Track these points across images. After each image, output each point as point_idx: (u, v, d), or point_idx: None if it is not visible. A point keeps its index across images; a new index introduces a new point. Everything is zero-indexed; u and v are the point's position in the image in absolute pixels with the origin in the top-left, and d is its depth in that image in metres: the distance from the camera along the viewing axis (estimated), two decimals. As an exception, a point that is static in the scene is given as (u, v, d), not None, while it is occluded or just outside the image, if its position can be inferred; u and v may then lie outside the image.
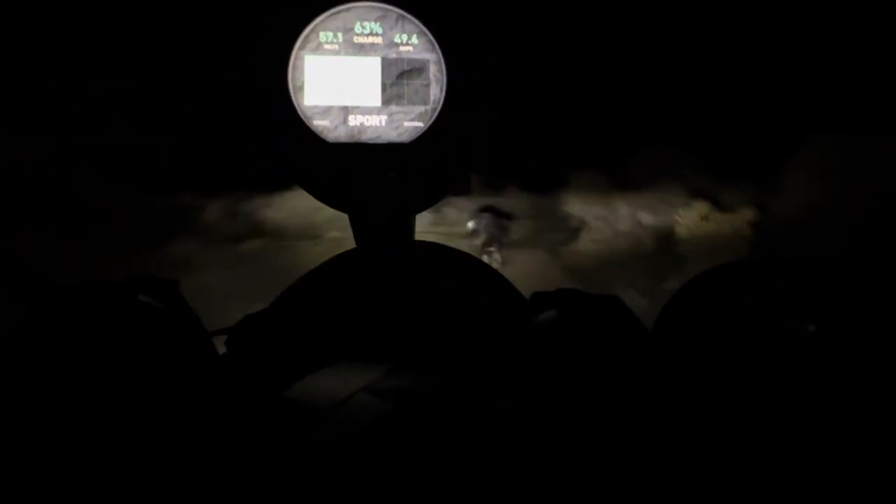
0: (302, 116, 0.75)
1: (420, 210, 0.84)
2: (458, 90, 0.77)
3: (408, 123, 0.77)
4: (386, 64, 0.77)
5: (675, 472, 0.51)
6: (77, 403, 0.54)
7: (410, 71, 0.77)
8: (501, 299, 0.90)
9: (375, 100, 0.77)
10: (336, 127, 0.77)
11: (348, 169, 0.77)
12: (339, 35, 0.76)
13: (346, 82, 0.77)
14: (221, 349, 0.78)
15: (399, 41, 0.77)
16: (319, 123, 0.76)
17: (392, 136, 0.77)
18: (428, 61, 0.77)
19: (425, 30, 0.77)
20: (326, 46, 0.76)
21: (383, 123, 0.77)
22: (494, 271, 0.95)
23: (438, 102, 0.77)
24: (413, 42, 0.77)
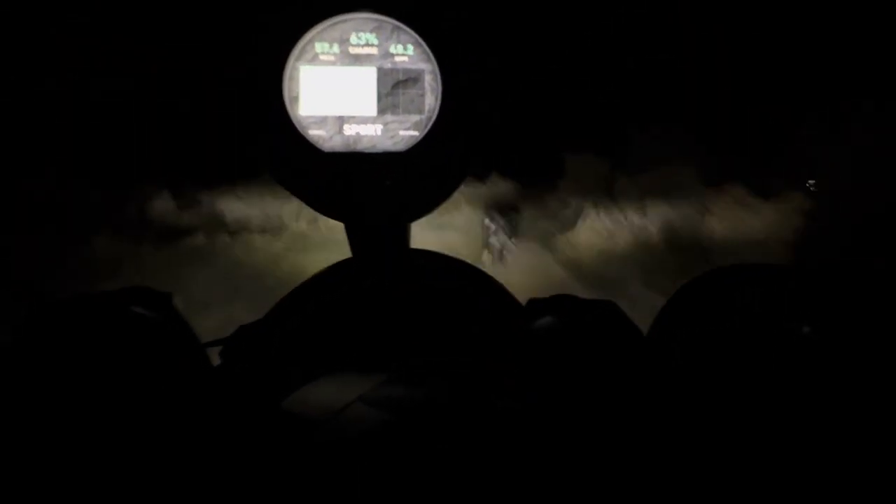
0: (297, 126, 0.76)
1: (416, 218, 0.85)
2: (453, 99, 0.77)
3: (403, 132, 0.78)
4: (381, 74, 0.77)
5: (673, 473, 0.51)
6: (72, 415, 0.54)
7: (406, 81, 0.78)
8: (498, 306, 0.90)
9: (371, 109, 0.78)
10: (332, 137, 0.77)
11: (344, 178, 0.77)
12: (335, 46, 0.77)
13: (342, 92, 0.77)
14: (216, 361, 0.78)
15: (394, 51, 0.77)
16: (315, 133, 0.77)
17: (387, 145, 0.78)
18: (423, 71, 0.78)
19: (420, 40, 0.77)
20: (322, 57, 0.77)
21: (379, 133, 0.78)
22: (490, 278, 0.95)
23: (433, 111, 0.78)
24: (408, 52, 0.78)
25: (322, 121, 0.77)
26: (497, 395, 0.57)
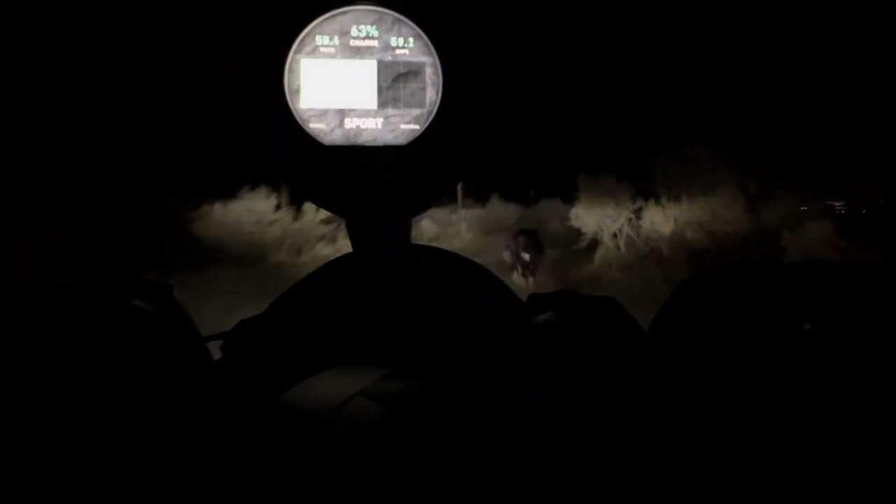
0: (298, 120, 0.75)
1: (417, 212, 0.84)
2: (454, 93, 0.77)
3: (404, 126, 0.77)
4: (382, 67, 0.77)
5: (673, 470, 0.51)
6: (72, 407, 0.54)
7: (406, 74, 0.77)
8: (498, 302, 0.90)
9: (371, 103, 0.77)
10: (332, 130, 0.77)
11: (345, 172, 0.77)
12: (336, 38, 0.76)
13: (343, 85, 0.77)
14: (217, 354, 0.78)
15: (395, 44, 0.77)
16: (316, 126, 0.76)
17: (388, 138, 0.77)
18: (424, 64, 0.77)
19: (421, 33, 0.77)
20: (323, 50, 0.76)
21: (379, 126, 0.77)
22: (492, 274, 0.95)
23: (434, 105, 0.77)
24: (409, 45, 0.77)
25: (323, 114, 0.76)
26: (497, 394, 0.57)
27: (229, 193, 6.75)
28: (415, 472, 0.48)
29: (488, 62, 0.78)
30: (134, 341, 0.62)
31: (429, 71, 0.77)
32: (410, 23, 0.77)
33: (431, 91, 0.77)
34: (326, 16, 0.76)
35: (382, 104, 0.77)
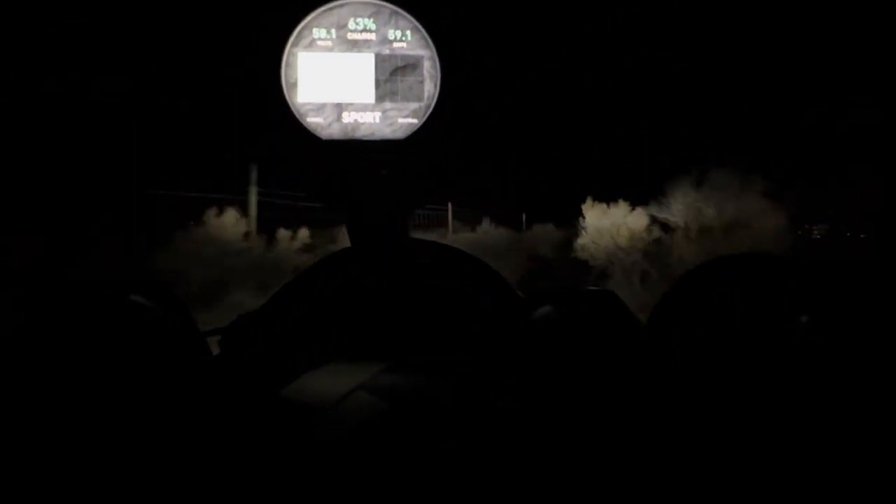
0: (296, 113, 0.75)
1: (416, 207, 0.84)
2: (453, 87, 0.77)
3: (402, 120, 0.77)
4: (380, 60, 0.77)
5: (671, 465, 0.51)
6: (73, 404, 0.54)
7: (404, 67, 0.77)
8: (499, 297, 0.90)
9: (369, 96, 0.77)
10: (330, 124, 0.76)
11: (342, 166, 0.76)
12: (333, 31, 0.76)
13: (340, 79, 0.77)
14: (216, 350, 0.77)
15: (393, 38, 0.77)
16: (313, 120, 0.76)
17: (386, 132, 0.77)
18: (422, 58, 0.77)
19: (419, 26, 0.77)
20: (320, 43, 0.76)
21: (377, 120, 0.77)
22: (491, 269, 0.94)
23: (432, 99, 0.77)
24: (407, 38, 0.77)
25: (320, 108, 0.76)
26: (497, 394, 0.57)
27: (194, 217, 5.93)
28: (414, 469, 0.47)
29: (487, 56, 0.78)
30: (134, 338, 0.62)
31: (427, 64, 0.77)
32: (408, 16, 0.76)
33: (430, 84, 0.77)
34: (323, 9, 0.76)
35: (380, 98, 0.77)
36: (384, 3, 0.76)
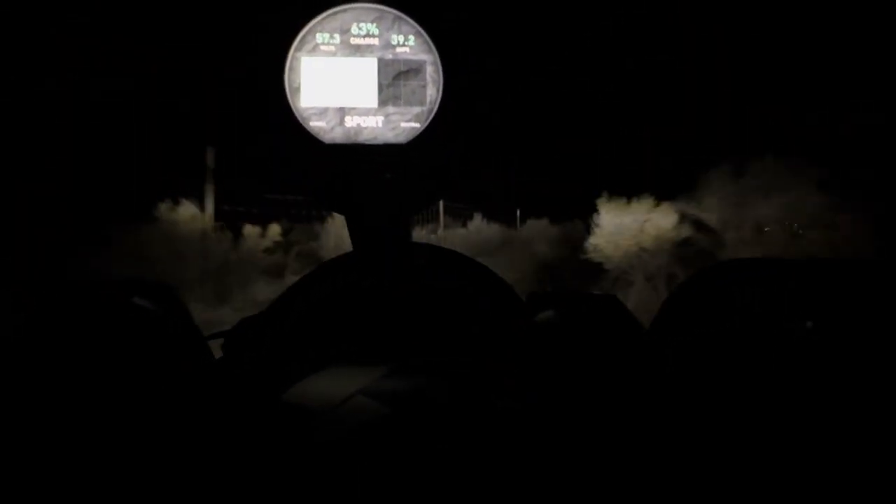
0: (299, 118, 0.76)
1: (417, 211, 0.84)
2: (455, 91, 0.77)
3: (404, 124, 0.77)
4: (382, 65, 0.77)
5: (671, 467, 0.51)
6: (74, 405, 0.54)
7: (407, 72, 0.78)
8: (499, 300, 0.90)
9: (372, 101, 0.77)
10: (333, 128, 0.77)
11: (345, 170, 0.77)
12: (336, 36, 0.76)
13: (343, 83, 0.77)
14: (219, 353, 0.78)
15: (396, 42, 0.77)
16: (316, 125, 0.76)
17: (389, 136, 0.77)
18: (425, 62, 0.77)
19: (422, 31, 0.77)
20: (323, 48, 0.76)
21: (380, 124, 0.77)
22: (492, 273, 0.95)
23: (435, 103, 0.77)
24: (410, 43, 0.77)
25: (323, 112, 0.76)
26: (497, 394, 0.57)
27: (144, 212, 5.00)
28: (414, 471, 0.47)
29: (489, 61, 0.78)
30: (136, 340, 0.62)
31: (429, 69, 0.77)
32: (411, 20, 0.77)
33: (432, 89, 0.77)
34: (327, 13, 0.76)
35: (383, 102, 0.77)
36: (387, 8, 0.76)
